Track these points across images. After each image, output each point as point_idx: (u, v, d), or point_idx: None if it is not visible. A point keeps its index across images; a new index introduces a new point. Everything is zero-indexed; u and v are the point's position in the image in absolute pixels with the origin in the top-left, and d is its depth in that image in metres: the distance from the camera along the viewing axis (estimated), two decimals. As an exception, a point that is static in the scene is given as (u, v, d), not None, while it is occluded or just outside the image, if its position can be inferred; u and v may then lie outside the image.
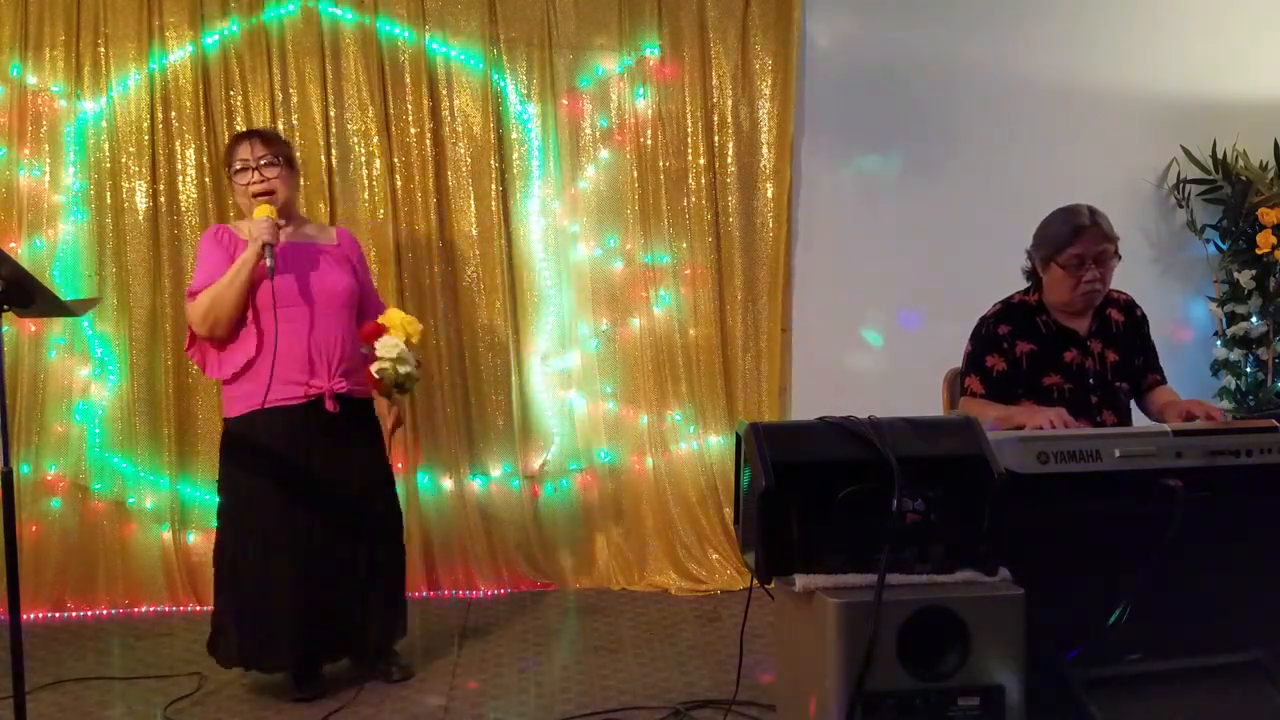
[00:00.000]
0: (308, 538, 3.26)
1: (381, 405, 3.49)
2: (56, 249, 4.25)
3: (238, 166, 3.35)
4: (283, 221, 3.32)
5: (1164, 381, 3.27)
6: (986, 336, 3.16)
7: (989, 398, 3.11)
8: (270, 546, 3.25)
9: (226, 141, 4.23)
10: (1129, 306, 3.27)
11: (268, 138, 3.40)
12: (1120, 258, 3.13)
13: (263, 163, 3.33)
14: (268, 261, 3.19)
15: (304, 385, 3.26)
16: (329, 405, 3.28)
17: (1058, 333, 3.16)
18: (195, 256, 3.48)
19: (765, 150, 4.49)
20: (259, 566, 3.25)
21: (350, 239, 3.58)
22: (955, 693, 2.33)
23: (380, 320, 3.39)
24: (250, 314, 3.28)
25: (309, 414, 3.28)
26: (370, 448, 3.44)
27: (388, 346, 3.31)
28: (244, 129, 4.25)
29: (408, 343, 3.36)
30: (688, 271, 4.50)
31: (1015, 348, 3.12)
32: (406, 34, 4.34)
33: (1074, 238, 3.06)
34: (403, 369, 3.32)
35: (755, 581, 2.53)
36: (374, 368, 3.32)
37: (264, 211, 3.25)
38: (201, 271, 3.32)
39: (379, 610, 3.39)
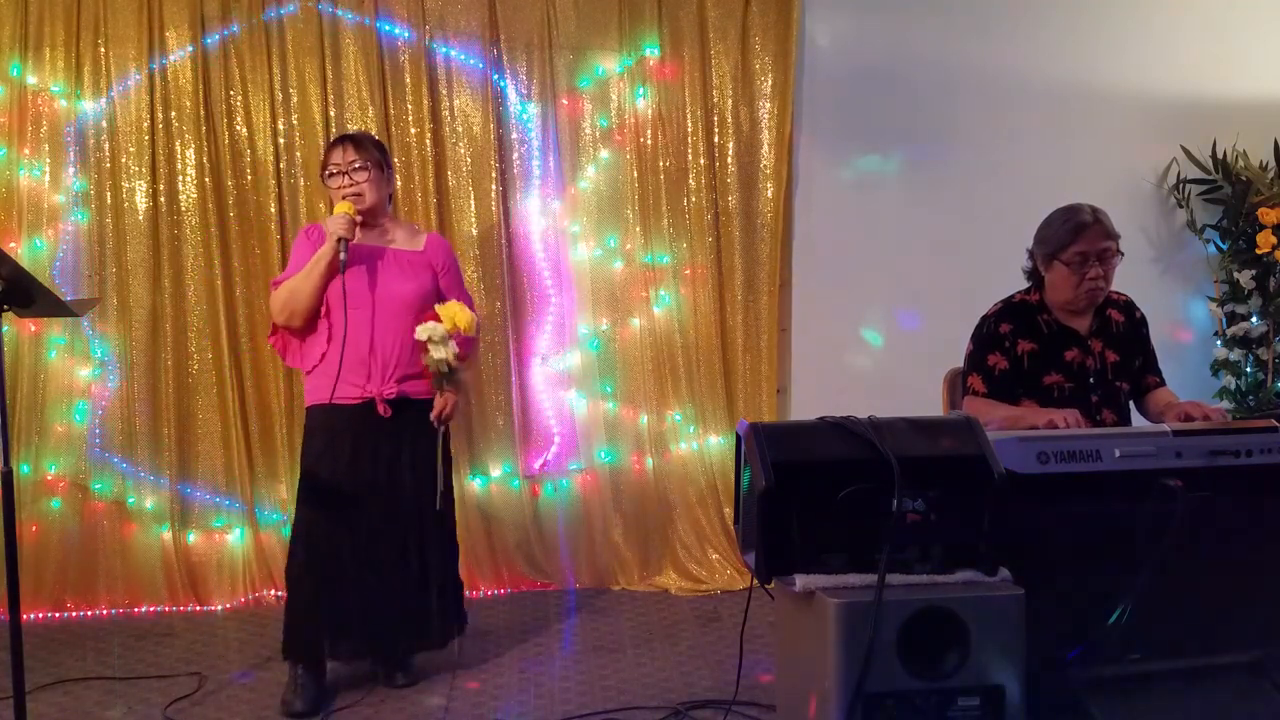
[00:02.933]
0: (346, 538, 3.29)
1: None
2: (56, 249, 4.25)
3: (330, 171, 3.40)
4: (360, 219, 3.35)
5: (1162, 384, 3.27)
6: (988, 335, 3.16)
7: (991, 396, 3.11)
8: (318, 538, 3.30)
9: (228, 141, 4.28)
10: (1128, 308, 3.27)
11: (359, 142, 3.44)
12: (1122, 255, 3.13)
13: (354, 167, 3.37)
14: (341, 255, 3.26)
15: (359, 386, 3.31)
16: (380, 409, 3.31)
17: (1059, 332, 3.16)
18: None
19: (765, 150, 4.49)
20: (310, 559, 3.30)
21: (439, 246, 3.55)
22: (955, 693, 2.33)
23: (436, 308, 3.38)
24: (323, 309, 3.34)
25: (364, 414, 3.32)
26: (419, 453, 3.41)
27: (422, 330, 3.31)
28: (244, 129, 4.29)
29: (455, 333, 3.31)
30: (688, 271, 4.50)
31: (1017, 346, 3.13)
32: (406, 34, 4.34)
33: (1077, 235, 3.07)
34: (436, 354, 3.29)
35: (755, 581, 2.53)
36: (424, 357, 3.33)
37: (343, 208, 3.32)
38: (290, 265, 3.44)
39: (433, 608, 3.38)
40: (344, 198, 3.37)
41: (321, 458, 3.34)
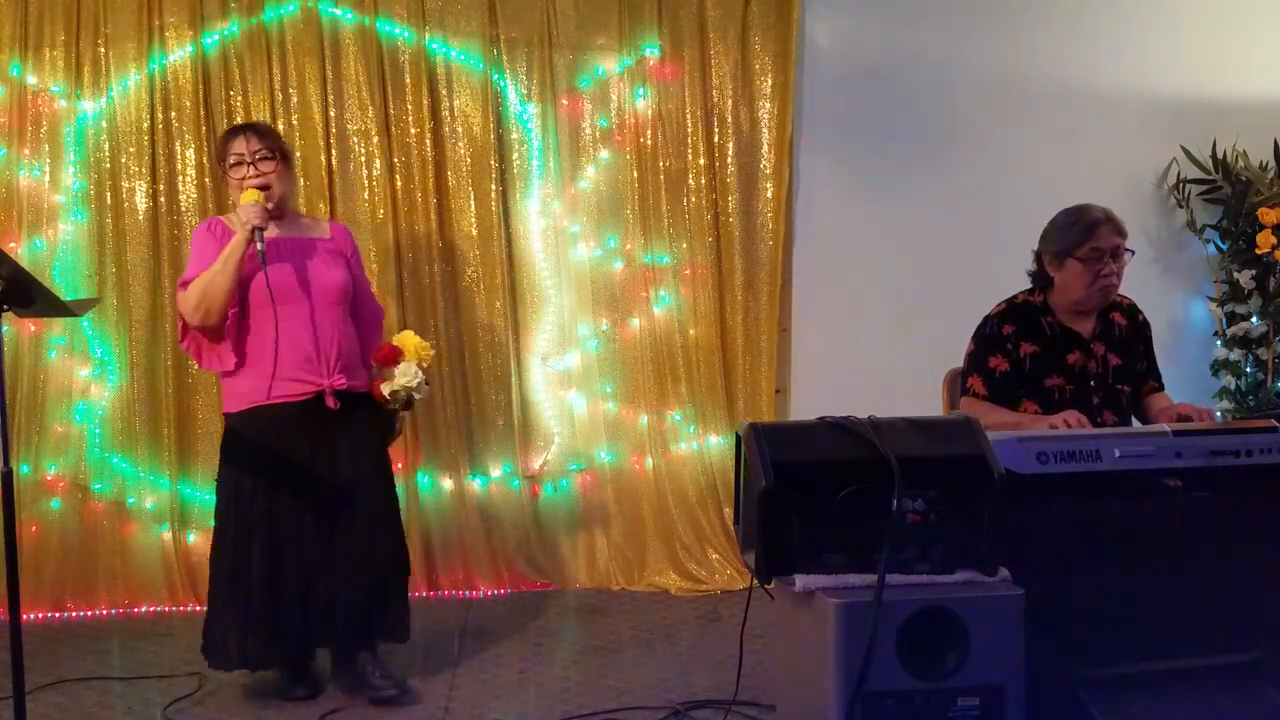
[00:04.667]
0: (309, 533, 3.25)
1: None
2: (56, 249, 4.25)
3: (232, 161, 3.31)
4: (271, 206, 3.27)
5: (1161, 388, 3.27)
6: (990, 336, 3.15)
7: (991, 398, 3.10)
8: (271, 543, 3.23)
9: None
10: (1132, 311, 3.27)
11: (263, 132, 3.37)
12: (1133, 253, 3.13)
13: (259, 157, 3.29)
14: (258, 245, 3.15)
15: (303, 382, 3.25)
16: (330, 402, 3.26)
17: (1061, 334, 3.15)
18: (189, 250, 3.43)
19: (765, 150, 4.49)
20: (260, 565, 3.23)
21: (344, 233, 3.56)
22: (955, 693, 2.33)
23: (395, 342, 3.41)
24: (245, 308, 3.26)
25: (309, 410, 3.26)
26: (368, 444, 3.42)
27: (409, 375, 3.36)
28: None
29: (420, 366, 3.41)
30: (688, 271, 4.50)
31: (1019, 348, 3.12)
32: (406, 34, 4.34)
33: (1091, 232, 3.06)
34: (418, 395, 3.41)
35: (755, 581, 2.53)
36: (386, 389, 3.35)
37: (251, 196, 3.21)
38: (194, 263, 3.29)
39: (382, 602, 3.36)
40: (246, 189, 3.25)
41: (277, 457, 3.24)
